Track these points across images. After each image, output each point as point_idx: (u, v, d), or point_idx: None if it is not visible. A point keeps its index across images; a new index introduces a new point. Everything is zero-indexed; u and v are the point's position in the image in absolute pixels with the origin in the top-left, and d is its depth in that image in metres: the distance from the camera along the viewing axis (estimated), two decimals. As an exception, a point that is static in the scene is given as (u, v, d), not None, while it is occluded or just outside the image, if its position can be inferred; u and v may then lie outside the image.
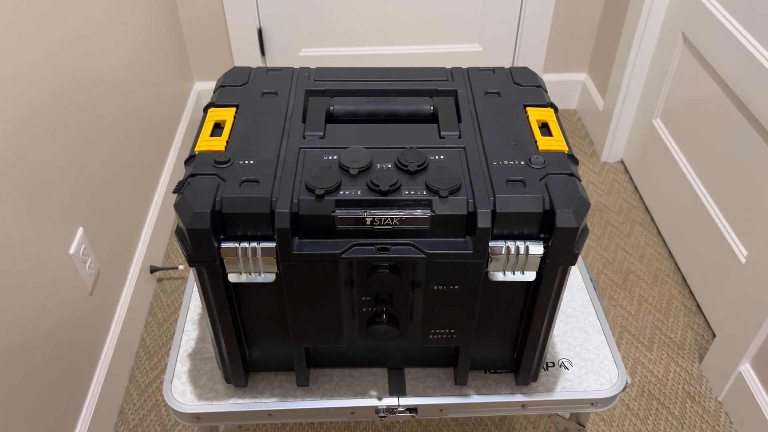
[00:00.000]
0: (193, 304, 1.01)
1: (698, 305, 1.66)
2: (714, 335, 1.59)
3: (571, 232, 0.70)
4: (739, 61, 1.43)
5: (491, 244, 0.71)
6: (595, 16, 2.15)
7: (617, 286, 1.72)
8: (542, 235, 0.72)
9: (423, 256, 0.71)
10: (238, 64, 2.17)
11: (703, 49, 1.59)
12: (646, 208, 1.95)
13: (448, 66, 2.24)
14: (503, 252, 0.72)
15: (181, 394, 0.88)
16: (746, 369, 1.37)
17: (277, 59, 2.19)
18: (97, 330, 1.36)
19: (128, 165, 1.56)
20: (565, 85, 2.32)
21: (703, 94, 1.61)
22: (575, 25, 2.17)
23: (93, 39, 1.39)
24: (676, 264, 1.77)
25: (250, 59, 2.16)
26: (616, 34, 2.01)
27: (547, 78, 2.30)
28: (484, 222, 0.69)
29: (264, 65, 2.20)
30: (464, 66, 2.24)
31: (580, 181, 0.74)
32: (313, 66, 2.21)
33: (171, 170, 1.85)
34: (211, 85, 2.23)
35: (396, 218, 0.70)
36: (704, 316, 1.64)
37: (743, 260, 1.45)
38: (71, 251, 1.24)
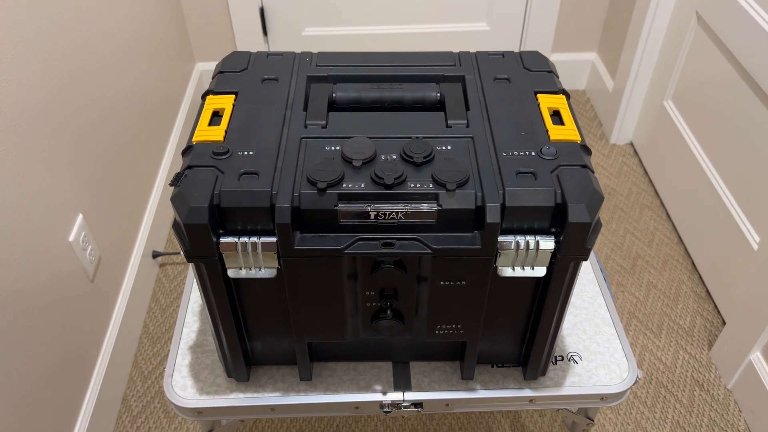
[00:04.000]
0: (194, 295, 0.99)
1: (708, 291, 1.64)
2: (724, 322, 1.57)
3: (584, 227, 0.67)
4: (756, 41, 1.38)
5: (500, 239, 0.69)
6: (605, -7, 2.09)
7: (625, 271, 1.70)
8: (553, 230, 0.69)
9: (429, 251, 0.69)
10: (239, 43, 2.13)
11: (717, 28, 1.54)
12: (656, 192, 1.92)
13: (455, 45, 2.19)
14: (512, 247, 0.69)
15: (182, 388, 0.86)
16: (757, 357, 1.35)
17: (279, 39, 2.14)
18: (99, 316, 1.35)
19: (129, 149, 1.53)
20: (574, 64, 2.27)
21: (717, 75, 1.57)
22: (585, 3, 2.11)
23: (91, 19, 1.35)
24: (686, 249, 1.74)
25: (252, 39, 2.12)
26: (628, 12, 1.95)
27: (556, 58, 2.25)
28: (492, 217, 0.66)
29: (266, 45, 2.15)
30: (471, 45, 2.19)
31: (593, 172, 0.71)
32: (315, 46, 2.16)
33: (173, 153, 1.82)
34: (213, 65, 2.19)
35: (401, 212, 0.67)
36: (714, 303, 1.61)
37: (755, 246, 1.42)
38: (71, 238, 1.22)
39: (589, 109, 2.25)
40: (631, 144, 2.10)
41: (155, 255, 1.66)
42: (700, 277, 1.67)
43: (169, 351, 1.51)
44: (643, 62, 1.89)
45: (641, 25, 1.83)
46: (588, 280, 1.01)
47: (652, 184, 1.94)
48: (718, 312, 1.59)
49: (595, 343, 0.92)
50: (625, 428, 1.37)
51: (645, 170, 1.99)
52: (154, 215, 1.66)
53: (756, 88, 1.41)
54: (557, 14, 2.11)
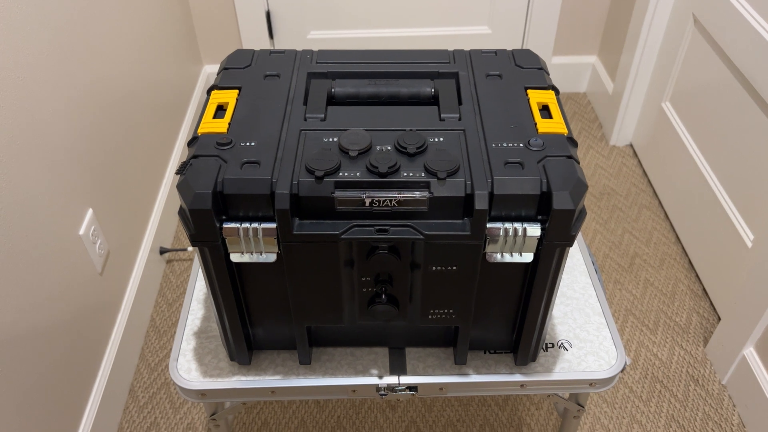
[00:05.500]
0: (199, 284, 1.02)
1: (704, 289, 1.66)
2: (719, 319, 1.59)
3: (568, 214, 0.70)
4: (750, 44, 1.41)
5: (489, 225, 0.72)
6: (605, -3, 2.13)
7: (623, 269, 1.73)
8: (540, 217, 0.73)
9: (421, 237, 0.72)
10: (246, 46, 2.18)
11: (713, 31, 1.58)
12: (654, 192, 1.95)
13: (457, 48, 2.22)
14: (501, 233, 0.72)
15: (187, 371, 0.90)
16: (750, 353, 1.37)
17: (285, 42, 2.19)
18: (107, 310, 1.39)
19: (138, 147, 1.57)
20: (575, 67, 2.31)
21: (713, 77, 1.60)
22: (585, 7, 2.15)
23: (102, 21, 1.40)
24: (683, 248, 1.77)
25: (259, 42, 2.17)
26: (627, 16, 1.99)
27: (557, 61, 2.28)
28: (481, 204, 0.70)
29: (272, 48, 2.20)
30: (473, 48, 2.23)
31: (578, 163, 0.74)
32: (320, 48, 2.20)
33: (180, 152, 1.87)
34: (220, 68, 2.24)
35: (394, 200, 0.71)
36: (710, 300, 1.64)
37: (750, 244, 1.45)
38: (81, 232, 1.27)
39: (589, 111, 2.28)
40: (631, 145, 2.13)
41: (162, 251, 1.70)
42: (697, 275, 1.70)
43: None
44: (642, 65, 1.92)
45: (640, 29, 1.86)
46: (579, 271, 1.04)
47: (651, 185, 1.97)
48: (714, 309, 1.62)
49: (585, 332, 0.95)
50: (621, 422, 1.40)
51: (644, 171, 2.02)
52: (161, 212, 1.70)
53: (751, 89, 1.44)
54: (558, 18, 2.15)
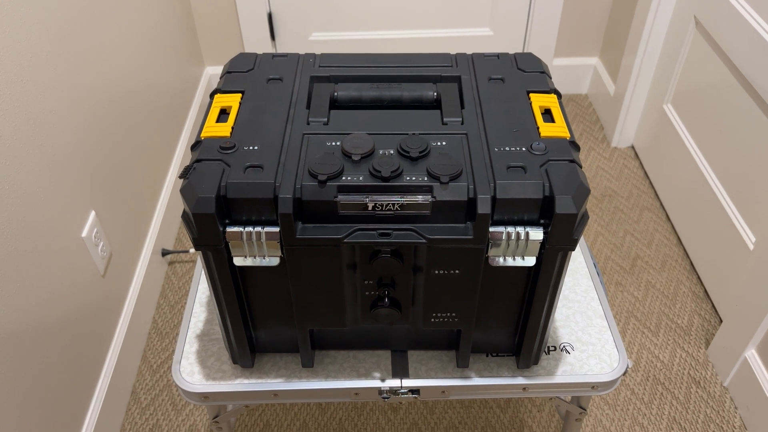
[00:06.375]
0: (202, 286, 1.03)
1: (706, 291, 1.66)
2: (721, 321, 1.59)
3: (571, 218, 0.70)
4: (751, 46, 1.42)
5: (491, 229, 0.72)
6: (607, -1, 2.13)
7: (625, 271, 1.73)
8: (542, 221, 0.73)
9: (424, 241, 0.72)
10: (248, 48, 2.18)
11: (715, 33, 1.58)
12: (656, 194, 1.95)
13: (459, 50, 2.23)
14: (503, 237, 0.73)
15: (190, 374, 0.90)
16: (752, 355, 1.38)
17: (287, 44, 2.19)
18: (109, 311, 1.39)
19: (140, 149, 1.58)
20: (577, 69, 2.31)
21: (715, 79, 1.60)
22: (587, 9, 2.15)
23: (104, 23, 1.40)
24: (685, 250, 1.77)
25: (261, 43, 2.17)
26: (628, 17, 1.99)
27: (559, 62, 2.28)
28: (484, 208, 0.70)
29: (274, 50, 2.20)
30: (475, 50, 2.23)
31: (581, 167, 0.74)
32: (322, 50, 2.21)
33: (182, 154, 1.87)
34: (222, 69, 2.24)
35: (397, 204, 0.71)
36: (712, 302, 1.64)
37: (751, 246, 1.45)
38: (83, 234, 1.27)
39: (591, 112, 2.28)
40: (632, 147, 2.13)
41: (164, 253, 1.71)
42: (699, 278, 1.70)
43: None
44: (644, 66, 1.92)
45: (641, 30, 1.87)
46: (581, 274, 1.04)
47: (652, 186, 1.97)
48: (716, 311, 1.62)
49: (587, 335, 0.95)
50: (622, 424, 1.40)
51: (645, 173, 2.02)
52: (163, 214, 1.71)
53: (752, 91, 1.44)
54: (559, 19, 2.15)
